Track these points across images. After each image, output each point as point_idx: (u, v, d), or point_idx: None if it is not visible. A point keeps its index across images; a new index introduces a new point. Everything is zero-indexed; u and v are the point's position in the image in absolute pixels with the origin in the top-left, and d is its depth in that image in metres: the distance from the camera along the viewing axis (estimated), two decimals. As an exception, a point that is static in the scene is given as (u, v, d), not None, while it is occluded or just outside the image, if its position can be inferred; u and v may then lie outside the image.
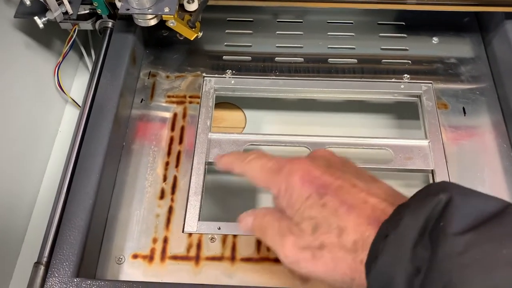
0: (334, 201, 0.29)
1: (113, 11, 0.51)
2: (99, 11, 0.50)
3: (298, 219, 0.30)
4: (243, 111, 0.59)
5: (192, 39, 0.50)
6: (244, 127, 0.58)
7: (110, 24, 0.53)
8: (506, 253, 0.22)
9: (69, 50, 0.55)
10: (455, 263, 0.22)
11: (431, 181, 0.46)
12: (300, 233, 0.29)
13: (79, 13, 0.50)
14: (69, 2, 0.46)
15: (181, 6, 0.49)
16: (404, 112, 0.57)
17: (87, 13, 0.51)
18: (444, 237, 0.23)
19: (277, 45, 0.56)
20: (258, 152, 0.35)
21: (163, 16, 0.46)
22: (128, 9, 0.46)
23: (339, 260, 0.28)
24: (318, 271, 0.29)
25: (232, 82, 0.53)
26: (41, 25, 0.46)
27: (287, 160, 0.33)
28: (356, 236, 0.27)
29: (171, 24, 0.47)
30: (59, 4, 0.45)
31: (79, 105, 0.58)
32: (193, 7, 0.49)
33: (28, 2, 0.46)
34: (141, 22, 0.47)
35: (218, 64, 0.54)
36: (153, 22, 0.47)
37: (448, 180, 0.27)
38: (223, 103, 0.58)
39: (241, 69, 0.54)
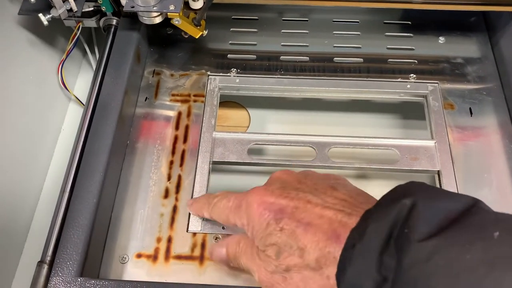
0: (291, 223, 0.30)
1: (117, 8, 0.51)
2: (103, 8, 0.50)
3: (262, 247, 0.31)
4: (247, 110, 0.59)
5: (197, 37, 0.49)
6: (248, 126, 0.58)
7: (114, 22, 0.52)
8: (470, 258, 0.21)
9: (73, 48, 0.54)
10: (420, 271, 0.22)
11: (437, 182, 0.46)
12: (267, 259, 0.31)
13: (83, 10, 0.50)
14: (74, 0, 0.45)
15: (186, 4, 0.49)
16: (410, 112, 0.56)
17: (92, 10, 0.51)
18: (409, 245, 0.23)
19: (282, 43, 0.55)
20: (222, 194, 0.37)
21: (168, 14, 0.46)
22: (133, 7, 0.46)
23: (307, 279, 0.29)
24: None
25: (237, 80, 0.52)
26: (45, 22, 0.45)
27: (244, 194, 0.34)
28: (317, 253, 0.28)
29: (176, 22, 0.47)
30: (63, 1, 0.45)
31: (82, 103, 0.58)
32: (198, 5, 0.49)
33: (32, -1, 0.46)
34: (146, 19, 0.47)
35: (222, 63, 0.54)
36: (158, 20, 0.47)
37: (419, 182, 0.26)
38: (227, 102, 0.58)
39: (246, 67, 0.53)
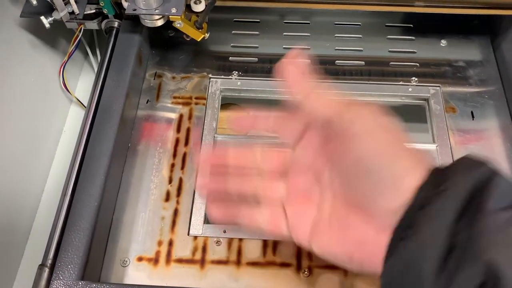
0: None
1: (119, 11, 0.51)
2: (105, 11, 0.50)
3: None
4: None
5: (199, 40, 0.49)
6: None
7: (116, 24, 0.52)
8: None
9: (74, 50, 0.54)
10: (492, 241, 0.22)
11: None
12: None
13: (85, 12, 0.50)
14: (76, 2, 0.46)
15: (188, 7, 0.49)
16: (412, 115, 0.56)
17: (93, 12, 0.51)
18: (483, 214, 0.23)
19: (283, 46, 0.55)
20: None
21: (170, 16, 0.46)
22: (135, 9, 0.46)
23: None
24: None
25: (238, 83, 0.52)
26: (47, 25, 0.46)
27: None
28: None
29: (178, 25, 0.47)
30: (65, 4, 0.45)
31: (84, 105, 0.58)
32: (200, 7, 0.49)
33: (34, 2, 0.46)
34: (147, 22, 0.47)
35: (224, 65, 0.54)
36: (160, 22, 0.47)
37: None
38: (228, 104, 0.58)
39: (247, 70, 0.53)
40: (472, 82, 0.52)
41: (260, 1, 0.51)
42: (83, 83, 0.62)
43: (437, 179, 0.25)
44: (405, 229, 0.25)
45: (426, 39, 0.56)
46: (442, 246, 0.23)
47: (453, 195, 0.24)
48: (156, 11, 0.46)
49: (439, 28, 0.56)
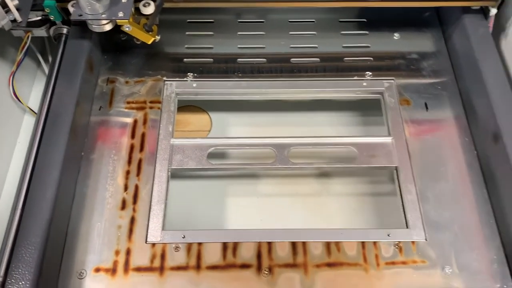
0: None
1: (66, 17, 0.49)
2: (52, 17, 0.49)
3: None
4: (208, 114, 0.58)
5: (149, 43, 0.49)
6: (209, 130, 0.57)
7: (65, 31, 0.51)
8: None
9: (23, 58, 0.53)
10: None
11: (395, 178, 0.46)
12: None
13: (31, 19, 0.48)
14: (18, 9, 0.44)
15: (137, 10, 0.48)
16: (369, 109, 0.57)
17: (40, 19, 0.50)
18: None
19: (238, 46, 0.55)
20: None
21: (117, 21, 0.45)
22: (81, 15, 0.45)
23: None
24: None
25: (194, 85, 0.52)
26: (-12, 34, 0.44)
27: None
28: None
29: (127, 29, 0.46)
30: (6, 12, 0.43)
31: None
32: (149, 10, 0.48)
33: (-27, 11, 0.44)
34: (95, 27, 0.46)
35: (179, 67, 0.53)
36: (108, 27, 0.46)
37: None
38: (187, 106, 0.57)
39: (203, 71, 0.53)
40: (425, 73, 0.53)
41: (211, 1, 0.51)
42: (37, 91, 0.60)
43: None
44: None
45: (379, 33, 0.56)
46: None
47: None
48: (103, 15, 0.45)
49: (392, 22, 0.57)
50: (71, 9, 0.46)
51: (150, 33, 0.48)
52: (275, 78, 0.52)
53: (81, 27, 0.50)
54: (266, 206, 0.51)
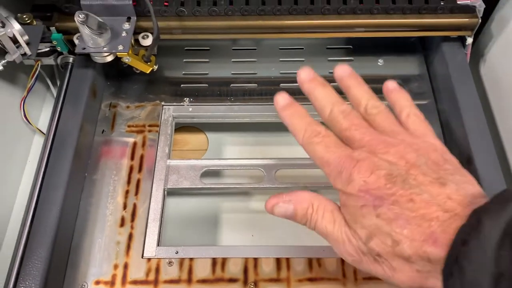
0: (388, 213, 0.29)
1: (72, 48, 0.54)
2: (59, 48, 0.53)
3: (352, 223, 0.31)
4: (205, 134, 0.62)
5: (147, 72, 0.53)
6: (206, 149, 0.61)
7: (71, 60, 0.55)
8: None
9: (33, 84, 0.57)
10: None
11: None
12: (356, 237, 0.31)
13: (40, 50, 0.53)
14: (28, 44, 0.48)
15: (137, 41, 0.52)
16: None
17: (48, 50, 0.54)
18: None
19: (232, 72, 0.59)
20: (325, 134, 0.35)
21: (117, 53, 0.49)
22: (84, 48, 0.49)
23: (396, 270, 0.30)
24: (378, 275, 0.31)
25: (190, 109, 0.56)
26: (0, 67, 0.48)
27: (349, 160, 0.32)
28: (411, 251, 0.29)
29: (126, 60, 0.50)
30: (17, 47, 0.47)
31: (46, 136, 0.60)
32: (148, 42, 0.52)
33: (-14, 46, 0.48)
34: (98, 59, 0.50)
35: (176, 92, 0.57)
36: (109, 58, 0.50)
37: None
38: (186, 126, 0.61)
39: (198, 96, 0.57)
40: (407, 97, 0.56)
41: (206, 33, 0.55)
42: (47, 113, 0.65)
43: (477, 217, 0.27)
44: (453, 263, 0.27)
45: (364, 58, 0.60)
46: (492, 273, 0.25)
47: (492, 227, 0.26)
48: (104, 48, 0.49)
49: (376, 48, 0.60)
50: (76, 41, 0.51)
51: (149, 63, 0.52)
52: (265, 102, 0.56)
53: (86, 57, 0.54)
54: (258, 222, 0.54)
